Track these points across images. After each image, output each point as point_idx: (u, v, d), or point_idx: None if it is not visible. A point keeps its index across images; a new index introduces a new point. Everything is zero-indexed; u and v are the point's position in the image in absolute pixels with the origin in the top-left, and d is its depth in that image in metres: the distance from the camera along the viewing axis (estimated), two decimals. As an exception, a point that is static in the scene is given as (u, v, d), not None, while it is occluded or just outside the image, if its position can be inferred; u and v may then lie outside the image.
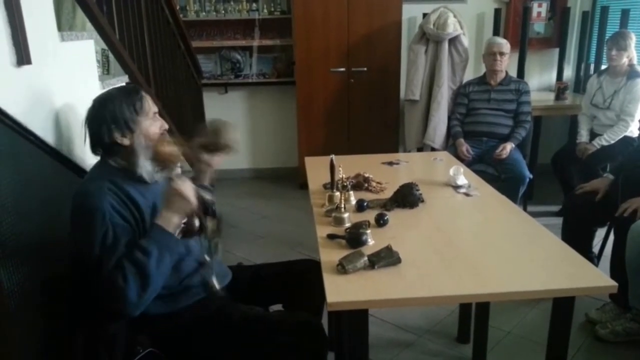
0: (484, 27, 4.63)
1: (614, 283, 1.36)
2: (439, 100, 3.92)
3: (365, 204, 1.88)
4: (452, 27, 3.86)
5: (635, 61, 3.44)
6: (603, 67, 3.84)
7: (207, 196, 1.56)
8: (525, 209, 3.60)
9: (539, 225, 1.74)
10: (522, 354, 2.36)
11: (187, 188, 1.43)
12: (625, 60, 3.39)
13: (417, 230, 1.76)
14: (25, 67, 1.57)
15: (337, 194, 1.85)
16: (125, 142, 1.50)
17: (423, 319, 2.58)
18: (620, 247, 2.30)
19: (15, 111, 1.47)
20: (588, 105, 3.65)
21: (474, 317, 2.28)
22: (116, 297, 1.35)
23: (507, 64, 3.69)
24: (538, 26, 4.64)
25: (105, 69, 3.06)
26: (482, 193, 2.08)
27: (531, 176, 3.46)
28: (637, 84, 3.34)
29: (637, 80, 3.35)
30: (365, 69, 4.36)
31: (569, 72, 4.69)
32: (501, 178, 3.44)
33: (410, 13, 4.50)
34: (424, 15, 4.10)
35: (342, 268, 1.42)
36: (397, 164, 2.53)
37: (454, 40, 3.93)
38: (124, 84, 2.35)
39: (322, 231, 1.70)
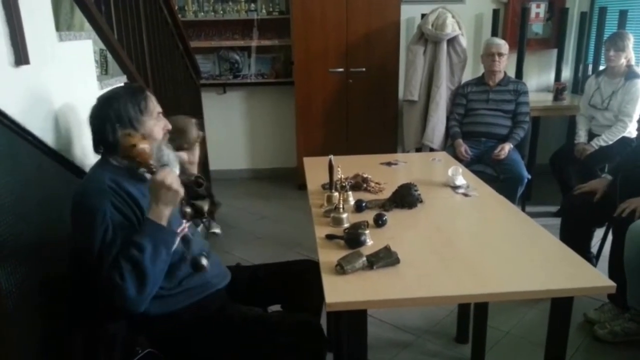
0: (483, 28, 4.64)
1: (612, 283, 1.36)
2: (438, 100, 3.92)
3: (363, 204, 1.88)
4: (451, 27, 3.86)
5: (633, 62, 3.45)
6: (601, 67, 3.85)
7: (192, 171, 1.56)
8: (523, 210, 3.61)
9: (537, 226, 1.74)
10: (520, 354, 2.36)
11: (171, 178, 1.43)
12: (623, 61, 3.39)
13: (415, 230, 1.76)
14: (24, 67, 1.56)
15: (336, 194, 1.85)
16: None
17: (422, 319, 2.59)
18: (618, 247, 2.30)
19: (13, 111, 1.47)
20: (586, 106, 3.66)
21: (472, 317, 2.29)
22: (116, 295, 1.35)
23: (506, 65, 3.70)
24: (536, 27, 4.65)
25: (104, 69, 3.06)
26: (480, 193, 2.08)
27: (529, 176, 3.47)
28: (635, 84, 3.35)
29: (635, 81, 3.35)
30: (363, 69, 4.36)
31: (567, 73, 4.70)
32: (500, 178, 3.45)
33: (409, 13, 4.50)
34: (423, 15, 4.10)
35: (340, 268, 1.42)
36: (396, 164, 2.53)
37: (452, 41, 3.93)
38: (122, 84, 2.35)
39: (321, 231, 1.70)
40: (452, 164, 2.37)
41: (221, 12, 4.56)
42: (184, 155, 1.74)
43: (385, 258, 1.46)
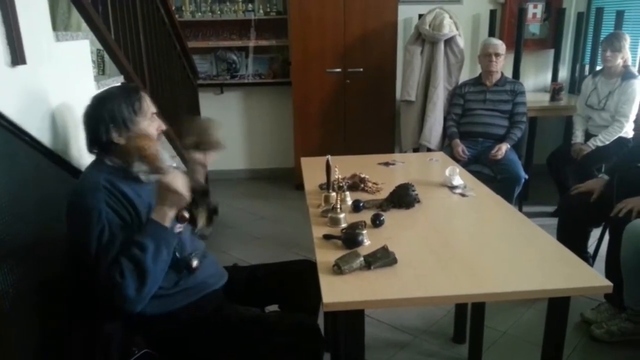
0: (480, 28, 4.65)
1: (609, 283, 1.36)
2: (435, 100, 3.93)
3: (361, 204, 1.88)
4: (448, 28, 3.87)
5: (629, 62, 3.46)
6: (598, 68, 3.86)
7: (201, 182, 1.56)
8: (520, 210, 3.61)
9: (534, 226, 1.74)
10: (517, 354, 2.36)
11: (179, 182, 1.43)
12: (619, 62, 3.40)
13: (413, 230, 1.77)
14: (20, 67, 1.56)
15: (333, 194, 1.85)
16: (122, 141, 1.50)
17: (419, 320, 2.59)
18: (615, 247, 2.31)
19: (10, 111, 1.47)
20: (583, 106, 3.67)
21: (469, 318, 2.29)
22: (114, 293, 1.35)
23: (503, 65, 3.70)
24: (533, 27, 4.65)
25: (101, 69, 3.05)
26: (477, 193, 2.08)
27: (526, 177, 3.47)
28: (631, 85, 3.36)
29: (632, 82, 3.36)
30: (361, 69, 4.36)
31: (564, 73, 4.71)
32: (497, 178, 3.45)
33: (406, 14, 4.50)
34: (420, 16, 4.11)
35: (338, 268, 1.42)
36: (393, 164, 2.53)
37: (449, 41, 3.94)
38: (119, 84, 2.35)
39: (318, 232, 1.70)
40: (450, 164, 2.38)
41: (218, 12, 4.56)
42: (198, 155, 1.73)
43: (382, 258, 1.46)
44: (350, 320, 1.41)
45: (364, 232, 1.62)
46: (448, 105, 3.93)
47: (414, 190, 1.92)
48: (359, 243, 1.57)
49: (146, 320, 1.53)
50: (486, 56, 3.63)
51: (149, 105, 1.57)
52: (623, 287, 2.24)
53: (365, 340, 1.46)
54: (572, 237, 2.56)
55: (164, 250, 1.42)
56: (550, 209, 3.88)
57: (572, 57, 4.63)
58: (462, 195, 2.07)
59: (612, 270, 2.33)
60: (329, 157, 1.93)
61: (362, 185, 2.11)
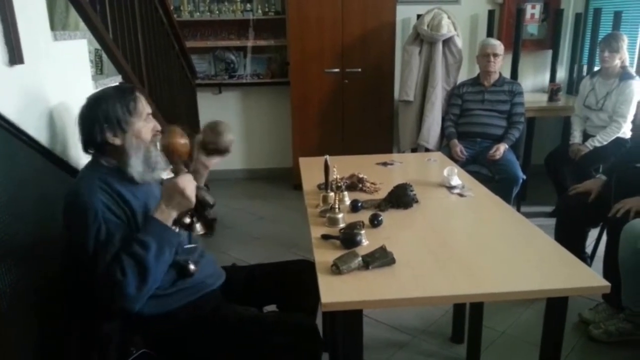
0: (478, 29, 4.65)
1: (607, 283, 1.36)
2: (433, 101, 3.93)
3: (359, 204, 1.88)
4: (446, 28, 3.87)
5: (627, 63, 3.46)
6: (596, 68, 3.87)
7: (208, 197, 1.56)
8: (518, 210, 3.62)
9: (532, 226, 1.74)
10: (516, 354, 2.37)
11: (190, 186, 1.43)
12: (617, 62, 3.41)
13: (411, 230, 1.77)
14: (18, 67, 1.56)
15: (332, 194, 1.85)
16: (117, 142, 1.50)
17: (417, 319, 2.59)
18: (613, 247, 2.31)
19: (8, 111, 1.46)
20: (581, 107, 3.67)
21: (468, 318, 2.29)
22: (114, 291, 1.35)
23: (501, 65, 3.71)
24: (531, 28, 4.66)
25: (99, 69, 3.04)
26: (475, 194, 2.09)
27: (524, 177, 3.48)
28: (629, 85, 3.37)
29: (630, 82, 3.37)
30: (359, 69, 4.36)
31: (562, 74, 4.71)
32: (495, 179, 3.46)
33: (404, 14, 4.50)
34: (418, 16, 4.11)
35: (336, 268, 1.42)
36: (392, 164, 2.53)
37: (447, 42, 3.94)
38: (117, 83, 2.34)
39: (317, 232, 1.70)
40: (448, 164, 2.38)
41: (217, 12, 4.55)
42: (204, 158, 1.72)
43: (380, 258, 1.46)
44: (349, 320, 1.41)
45: (362, 232, 1.62)
46: (446, 106, 3.94)
47: (412, 191, 1.93)
48: (357, 243, 1.57)
49: (144, 320, 1.53)
50: (484, 56, 3.64)
51: (144, 106, 1.56)
52: (621, 288, 2.24)
53: (363, 340, 1.46)
54: (570, 237, 2.56)
55: (167, 250, 1.42)
56: (548, 209, 3.88)
57: (570, 57, 4.64)
58: (460, 195, 2.07)
59: (610, 270, 2.33)
60: (327, 157, 1.93)
61: (361, 186, 2.11)
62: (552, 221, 2.86)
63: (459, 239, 1.71)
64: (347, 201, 1.92)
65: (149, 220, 1.44)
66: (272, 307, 1.88)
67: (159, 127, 1.60)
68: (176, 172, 1.47)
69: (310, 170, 2.31)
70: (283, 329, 1.58)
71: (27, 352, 1.44)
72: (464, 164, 3.35)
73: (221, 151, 1.72)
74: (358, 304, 1.35)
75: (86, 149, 1.55)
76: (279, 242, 3.55)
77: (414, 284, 1.39)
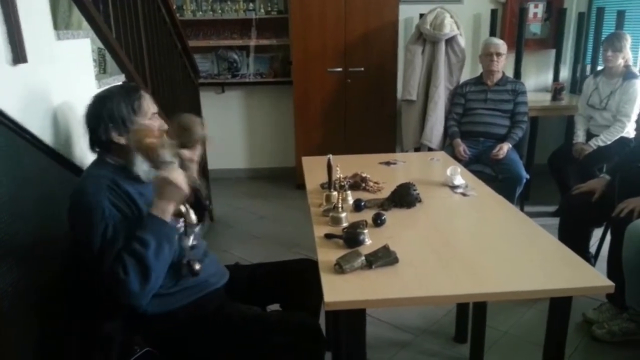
0: (481, 28, 4.64)
1: (610, 283, 1.36)
2: (436, 100, 3.92)
3: (362, 203, 1.88)
4: (449, 27, 3.86)
5: (631, 62, 3.45)
6: (599, 68, 3.86)
7: (194, 176, 1.56)
8: (522, 209, 3.61)
9: (535, 226, 1.74)
10: (519, 353, 2.36)
11: (178, 176, 1.43)
12: (621, 61, 3.40)
13: (414, 230, 1.76)
14: (21, 66, 1.56)
15: (335, 193, 1.85)
16: (122, 141, 1.50)
17: (420, 319, 2.58)
18: (617, 247, 2.30)
19: (11, 110, 1.47)
20: (584, 106, 3.66)
21: (471, 317, 2.29)
22: (119, 290, 1.35)
23: (504, 65, 3.70)
24: (534, 27, 4.65)
25: (102, 68, 3.04)
26: (479, 193, 2.08)
27: (528, 176, 3.47)
28: (633, 84, 3.36)
29: (633, 81, 3.36)
30: (362, 69, 4.36)
31: (565, 73, 4.70)
32: (498, 178, 3.45)
33: (407, 13, 4.50)
34: (421, 15, 4.10)
35: (339, 268, 1.42)
36: (395, 163, 2.53)
37: (450, 41, 3.93)
38: (120, 83, 2.35)
39: (320, 231, 1.70)
40: (451, 164, 2.37)
41: (219, 11, 4.56)
42: (185, 152, 1.73)
43: (384, 257, 1.46)
44: (352, 319, 1.41)
45: (365, 231, 1.62)
46: (449, 105, 3.93)
47: (415, 190, 1.92)
48: (360, 242, 1.57)
49: (147, 319, 1.53)
50: (487, 56, 3.63)
51: (149, 105, 1.56)
52: (625, 287, 2.23)
53: (366, 340, 1.46)
54: (573, 237, 2.55)
55: (166, 245, 1.42)
56: (552, 208, 3.88)
57: (573, 57, 4.63)
58: (464, 194, 2.06)
59: (613, 270, 2.33)
60: (330, 156, 1.93)
61: (364, 185, 2.11)
62: (555, 221, 2.85)
63: (462, 238, 1.70)
64: (350, 200, 1.92)
65: (146, 217, 1.44)
66: (275, 307, 1.88)
67: (165, 127, 1.60)
68: (157, 167, 1.46)
69: (313, 169, 2.31)
70: (286, 328, 1.58)
71: (27, 352, 1.44)
72: (467, 164, 3.34)
73: (194, 144, 1.72)
74: (361, 303, 1.35)
75: (92, 147, 1.55)
76: (282, 241, 3.55)
77: (417, 283, 1.38)
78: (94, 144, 1.54)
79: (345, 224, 1.72)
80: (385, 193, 2.00)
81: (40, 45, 1.71)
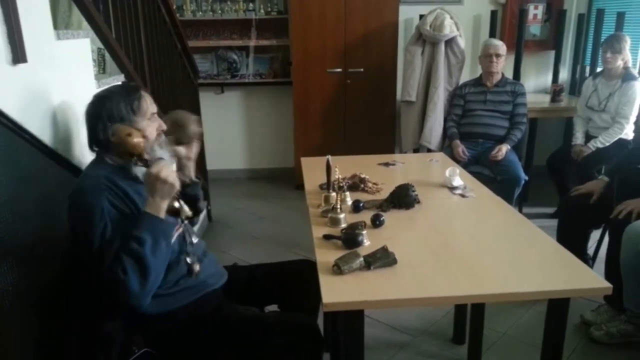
0: (480, 29, 4.65)
1: (608, 285, 1.36)
2: (435, 101, 3.93)
3: (361, 204, 1.88)
4: (449, 28, 3.87)
5: (630, 64, 3.46)
6: (598, 69, 3.86)
7: (191, 174, 1.55)
8: (520, 211, 3.61)
9: (534, 227, 1.74)
10: (517, 355, 2.36)
11: (167, 171, 1.43)
12: (620, 63, 3.40)
13: (413, 231, 1.77)
14: (21, 66, 1.56)
15: (333, 194, 1.85)
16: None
17: (418, 320, 2.59)
18: (615, 249, 2.31)
19: (11, 110, 1.47)
20: (583, 108, 3.67)
21: (469, 318, 2.29)
22: (119, 289, 1.36)
23: (503, 66, 3.70)
24: (534, 28, 4.66)
25: (102, 68, 3.05)
26: (477, 194, 2.08)
27: (527, 178, 3.47)
28: (632, 86, 3.36)
29: (632, 83, 3.36)
30: (361, 69, 4.36)
31: (564, 75, 4.71)
32: (497, 179, 3.45)
33: (407, 14, 4.50)
34: (421, 16, 4.11)
35: (337, 269, 1.42)
36: (393, 164, 2.53)
37: (450, 42, 3.94)
38: (120, 83, 2.34)
39: (318, 232, 1.70)
40: (450, 165, 2.38)
41: (219, 11, 4.56)
42: (181, 150, 1.73)
43: (382, 258, 1.46)
44: (350, 320, 1.41)
45: (364, 232, 1.62)
46: (448, 106, 3.93)
47: (414, 191, 1.93)
48: (358, 243, 1.57)
49: (146, 319, 1.53)
50: (487, 57, 3.63)
51: (148, 105, 1.56)
52: (623, 289, 2.24)
53: (364, 341, 1.46)
54: (572, 238, 2.56)
55: (162, 241, 1.42)
56: (550, 210, 3.88)
57: (572, 58, 4.63)
58: (462, 196, 2.07)
59: (611, 272, 2.33)
60: (329, 157, 1.93)
61: (362, 186, 2.11)
62: (554, 222, 2.85)
63: (461, 239, 1.71)
64: (349, 201, 1.92)
65: (141, 215, 1.44)
66: (273, 307, 1.88)
67: (164, 126, 1.61)
68: (146, 165, 1.46)
69: (312, 170, 2.31)
70: (284, 328, 1.58)
71: (27, 352, 1.44)
72: (466, 165, 3.35)
73: (187, 141, 1.72)
74: (359, 304, 1.35)
75: (91, 146, 1.56)
76: (280, 242, 3.55)
77: (415, 284, 1.39)
78: (92, 143, 1.54)
79: (343, 225, 1.73)
80: (384, 194, 2.00)
81: (40, 45, 1.71)
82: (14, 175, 1.44)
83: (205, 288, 1.65)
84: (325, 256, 1.51)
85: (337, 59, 4.35)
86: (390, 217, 1.80)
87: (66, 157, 1.77)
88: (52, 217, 1.58)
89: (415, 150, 4.17)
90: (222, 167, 4.77)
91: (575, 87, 4.56)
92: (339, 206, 1.77)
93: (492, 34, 4.35)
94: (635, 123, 3.45)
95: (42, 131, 1.64)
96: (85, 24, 2.12)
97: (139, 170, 1.50)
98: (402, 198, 1.91)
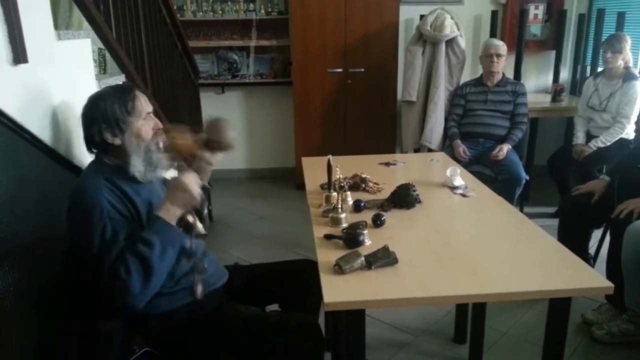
0: (481, 29, 4.64)
1: (610, 284, 1.36)
2: (436, 101, 3.93)
3: (362, 204, 1.88)
4: (449, 28, 3.87)
5: (631, 64, 3.45)
6: (599, 69, 3.86)
7: (205, 181, 1.57)
8: (521, 210, 3.60)
9: (535, 226, 1.74)
10: (518, 354, 2.36)
11: (194, 183, 1.44)
12: (620, 63, 3.40)
13: (414, 230, 1.76)
14: (22, 66, 1.56)
15: (334, 194, 1.85)
16: (117, 142, 1.50)
17: (420, 320, 2.59)
18: (616, 248, 2.31)
19: (11, 110, 1.47)
20: (584, 107, 3.67)
21: (470, 318, 2.29)
22: (119, 289, 1.35)
23: (504, 66, 3.70)
24: (535, 28, 4.65)
25: (102, 68, 3.05)
26: (478, 194, 2.08)
27: (527, 177, 3.47)
28: (632, 86, 3.36)
29: (633, 83, 3.36)
30: (362, 69, 4.36)
31: (565, 74, 4.71)
32: (498, 179, 3.45)
33: (408, 14, 4.50)
34: (421, 16, 4.11)
35: (339, 268, 1.42)
36: (394, 164, 2.53)
37: (451, 42, 3.94)
38: (120, 83, 2.35)
39: (319, 231, 1.70)
40: (451, 165, 2.38)
41: (220, 12, 4.56)
42: (206, 154, 1.71)
43: (383, 258, 1.46)
44: (351, 320, 1.41)
45: (365, 232, 1.62)
46: (449, 106, 3.93)
47: (414, 191, 1.93)
48: (359, 243, 1.57)
49: (146, 318, 1.53)
50: (487, 57, 3.63)
51: (143, 105, 1.55)
52: (624, 288, 2.23)
53: (365, 340, 1.46)
54: (573, 238, 2.56)
55: (170, 249, 1.43)
56: (551, 210, 3.88)
57: (573, 58, 4.63)
58: (463, 195, 2.07)
59: (613, 271, 2.33)
60: (330, 157, 1.93)
61: (363, 185, 2.11)
62: (555, 222, 2.85)
63: (462, 239, 1.70)
64: (350, 201, 1.92)
65: (153, 219, 1.44)
66: (274, 307, 1.88)
67: (160, 125, 1.60)
68: (180, 171, 1.47)
69: (313, 170, 2.31)
70: (285, 328, 1.58)
71: (27, 352, 1.44)
72: (466, 165, 3.35)
73: (224, 148, 1.71)
74: (360, 303, 1.35)
75: (89, 148, 1.56)
76: (281, 241, 3.55)
77: (416, 284, 1.39)
78: (89, 145, 1.54)
79: (344, 225, 1.73)
80: (384, 194, 2.00)
81: (41, 46, 1.72)
82: (14, 175, 1.44)
83: (206, 287, 1.65)
84: (326, 256, 1.51)
85: (337, 59, 4.35)
86: (391, 217, 1.80)
87: (66, 157, 1.77)
88: (52, 217, 1.58)
89: (416, 150, 4.16)
90: (222, 167, 4.74)
91: (575, 87, 4.55)
92: (339, 206, 1.77)
93: (493, 34, 4.35)
94: (636, 123, 3.45)
95: (42, 131, 1.64)
96: (85, 24, 2.12)
97: (137, 171, 1.49)
98: (403, 198, 1.91)
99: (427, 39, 3.97)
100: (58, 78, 1.81)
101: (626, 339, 2.36)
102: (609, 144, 3.43)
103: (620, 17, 3.82)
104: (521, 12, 4.19)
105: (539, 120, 4.28)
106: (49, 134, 1.69)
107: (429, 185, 2.17)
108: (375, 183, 2.14)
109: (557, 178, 3.80)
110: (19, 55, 1.53)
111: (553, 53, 4.61)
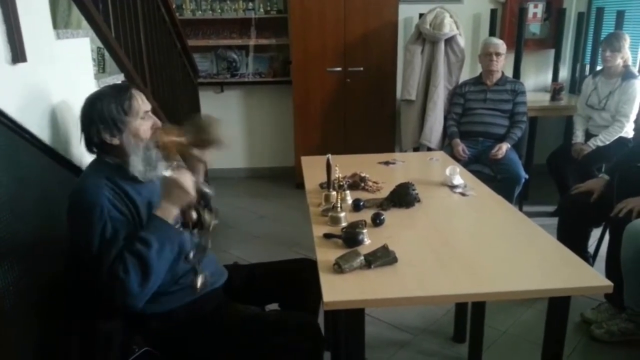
0: (480, 28, 4.64)
1: (609, 283, 1.36)
2: (435, 100, 3.93)
3: (361, 203, 1.88)
4: (449, 27, 3.86)
5: (630, 62, 3.46)
6: (598, 68, 3.86)
7: (207, 189, 1.56)
8: (521, 209, 3.61)
9: (534, 225, 1.74)
10: (518, 353, 2.37)
11: (187, 180, 1.43)
12: (619, 61, 3.40)
13: (413, 229, 1.76)
14: (21, 65, 1.56)
15: (334, 193, 1.85)
16: (115, 142, 1.50)
17: (419, 319, 2.59)
18: (615, 247, 2.31)
19: (10, 109, 1.46)
20: (583, 106, 3.67)
21: (470, 317, 2.29)
22: (117, 289, 1.35)
23: (503, 65, 3.70)
24: (534, 27, 4.65)
25: (101, 67, 3.04)
26: (478, 193, 2.08)
27: (527, 176, 3.47)
28: (631, 85, 3.36)
29: (632, 81, 3.36)
30: (361, 68, 4.36)
31: (564, 73, 4.71)
32: (497, 178, 3.45)
33: (407, 13, 4.50)
34: (420, 15, 4.10)
35: (338, 267, 1.42)
36: (394, 163, 2.53)
37: (450, 41, 3.94)
38: (119, 82, 2.34)
39: (319, 230, 1.70)
40: (450, 164, 2.38)
41: (219, 10, 4.56)
42: (197, 152, 1.70)
43: (382, 257, 1.46)
44: (351, 319, 1.42)
45: (364, 231, 1.62)
46: (448, 105, 3.93)
47: (414, 190, 1.92)
48: (359, 242, 1.57)
49: (146, 318, 1.53)
50: (487, 55, 3.63)
51: (140, 104, 1.54)
52: (623, 287, 2.23)
53: (365, 339, 1.46)
54: (572, 237, 2.56)
55: (168, 247, 1.42)
56: (551, 208, 3.88)
57: (572, 57, 4.63)
58: (463, 194, 2.07)
59: (612, 270, 2.33)
60: (329, 156, 1.93)
61: (363, 185, 2.11)
62: (554, 221, 2.85)
63: (461, 238, 1.71)
64: (349, 200, 1.92)
65: (150, 218, 1.44)
66: (273, 306, 1.88)
67: (159, 124, 1.60)
68: (174, 169, 1.46)
69: (312, 169, 2.31)
70: (284, 327, 1.58)
71: (27, 352, 1.44)
72: (466, 163, 3.35)
73: (212, 144, 1.70)
74: (360, 302, 1.35)
75: (88, 148, 1.55)
76: (281, 241, 3.55)
77: (415, 283, 1.39)
78: (88, 144, 1.54)
79: (344, 224, 1.73)
80: (384, 193, 2.00)
81: (40, 45, 1.71)
82: (14, 175, 1.44)
83: (205, 287, 1.65)
84: (326, 255, 1.51)
85: (336, 58, 4.35)
86: (391, 216, 1.80)
87: (66, 156, 1.77)
88: (52, 217, 1.58)
89: (416, 149, 4.16)
90: (222, 167, 4.77)
91: (575, 85, 4.56)
92: (339, 205, 1.77)
93: (492, 33, 4.35)
94: (636, 121, 3.45)
95: (42, 131, 1.64)
96: (84, 23, 2.12)
97: (137, 170, 1.49)
98: (403, 197, 1.91)
99: (426, 38, 3.97)
100: (57, 77, 1.81)
101: (625, 338, 2.37)
102: (608, 142, 3.43)
103: (620, 15, 3.83)
104: (520, 11, 4.19)
105: (538, 119, 4.28)
106: (49, 134, 1.68)
107: (428, 184, 2.17)
108: (374, 182, 2.14)
109: (556, 177, 3.80)
110: (17, 54, 1.53)
111: (552, 52, 4.62)
